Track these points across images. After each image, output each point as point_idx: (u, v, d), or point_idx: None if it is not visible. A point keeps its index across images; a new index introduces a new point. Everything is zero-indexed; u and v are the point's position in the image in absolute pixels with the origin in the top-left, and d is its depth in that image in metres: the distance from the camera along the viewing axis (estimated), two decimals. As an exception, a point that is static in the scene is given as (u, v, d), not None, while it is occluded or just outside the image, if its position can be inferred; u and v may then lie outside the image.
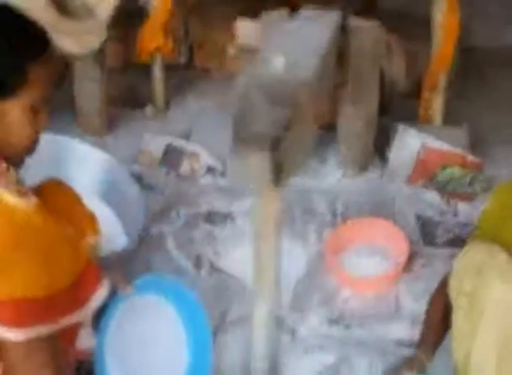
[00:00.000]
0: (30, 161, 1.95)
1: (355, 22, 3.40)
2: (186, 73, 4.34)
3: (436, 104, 3.75)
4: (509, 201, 2.44)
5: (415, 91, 3.86)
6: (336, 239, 3.17)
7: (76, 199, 2.12)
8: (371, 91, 3.45)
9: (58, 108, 3.91)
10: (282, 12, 3.46)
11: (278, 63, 2.33)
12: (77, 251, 1.90)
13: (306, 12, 3.38)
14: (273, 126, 2.07)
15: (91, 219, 2.11)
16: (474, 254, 2.19)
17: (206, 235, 3.26)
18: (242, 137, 2.02)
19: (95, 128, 3.78)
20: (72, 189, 2.14)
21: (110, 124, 3.85)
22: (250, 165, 1.98)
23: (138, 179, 3.46)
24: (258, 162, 1.96)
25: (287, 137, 2.06)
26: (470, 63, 4.15)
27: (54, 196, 1.99)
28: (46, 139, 3.06)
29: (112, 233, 2.97)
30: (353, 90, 3.41)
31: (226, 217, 3.34)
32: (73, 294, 1.85)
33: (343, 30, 3.36)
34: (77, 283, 1.86)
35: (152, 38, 3.82)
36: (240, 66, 3.27)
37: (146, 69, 3.99)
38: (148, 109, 4.00)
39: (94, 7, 3.49)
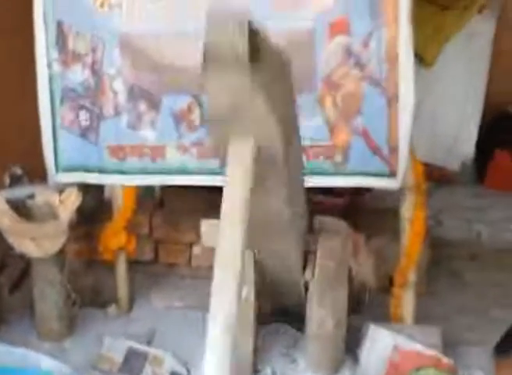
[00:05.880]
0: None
1: (323, 221, 3.37)
2: (151, 269, 4.25)
3: (407, 301, 3.65)
4: None
5: (386, 287, 3.79)
6: None
7: None
8: (339, 291, 3.36)
9: (17, 312, 3.82)
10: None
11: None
12: None
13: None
14: None
15: None
16: None
17: None
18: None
19: (54, 332, 3.60)
20: None
21: (70, 326, 3.68)
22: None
23: (97, 389, 3.28)
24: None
25: None
26: (440, 257, 4.11)
27: None
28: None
29: None
30: (321, 290, 3.33)
31: None
32: None
33: (311, 229, 3.33)
34: None
35: (115, 237, 3.75)
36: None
37: (110, 266, 3.89)
38: (111, 309, 3.87)
39: (57, 207, 3.44)
